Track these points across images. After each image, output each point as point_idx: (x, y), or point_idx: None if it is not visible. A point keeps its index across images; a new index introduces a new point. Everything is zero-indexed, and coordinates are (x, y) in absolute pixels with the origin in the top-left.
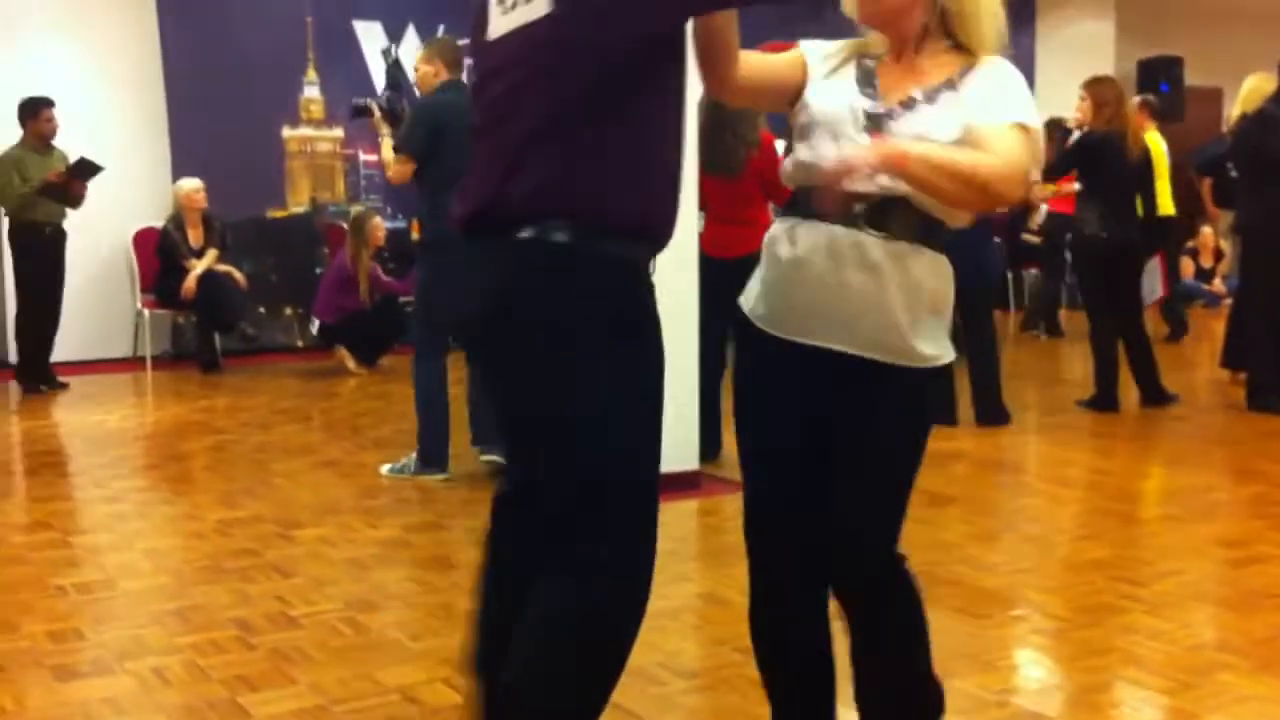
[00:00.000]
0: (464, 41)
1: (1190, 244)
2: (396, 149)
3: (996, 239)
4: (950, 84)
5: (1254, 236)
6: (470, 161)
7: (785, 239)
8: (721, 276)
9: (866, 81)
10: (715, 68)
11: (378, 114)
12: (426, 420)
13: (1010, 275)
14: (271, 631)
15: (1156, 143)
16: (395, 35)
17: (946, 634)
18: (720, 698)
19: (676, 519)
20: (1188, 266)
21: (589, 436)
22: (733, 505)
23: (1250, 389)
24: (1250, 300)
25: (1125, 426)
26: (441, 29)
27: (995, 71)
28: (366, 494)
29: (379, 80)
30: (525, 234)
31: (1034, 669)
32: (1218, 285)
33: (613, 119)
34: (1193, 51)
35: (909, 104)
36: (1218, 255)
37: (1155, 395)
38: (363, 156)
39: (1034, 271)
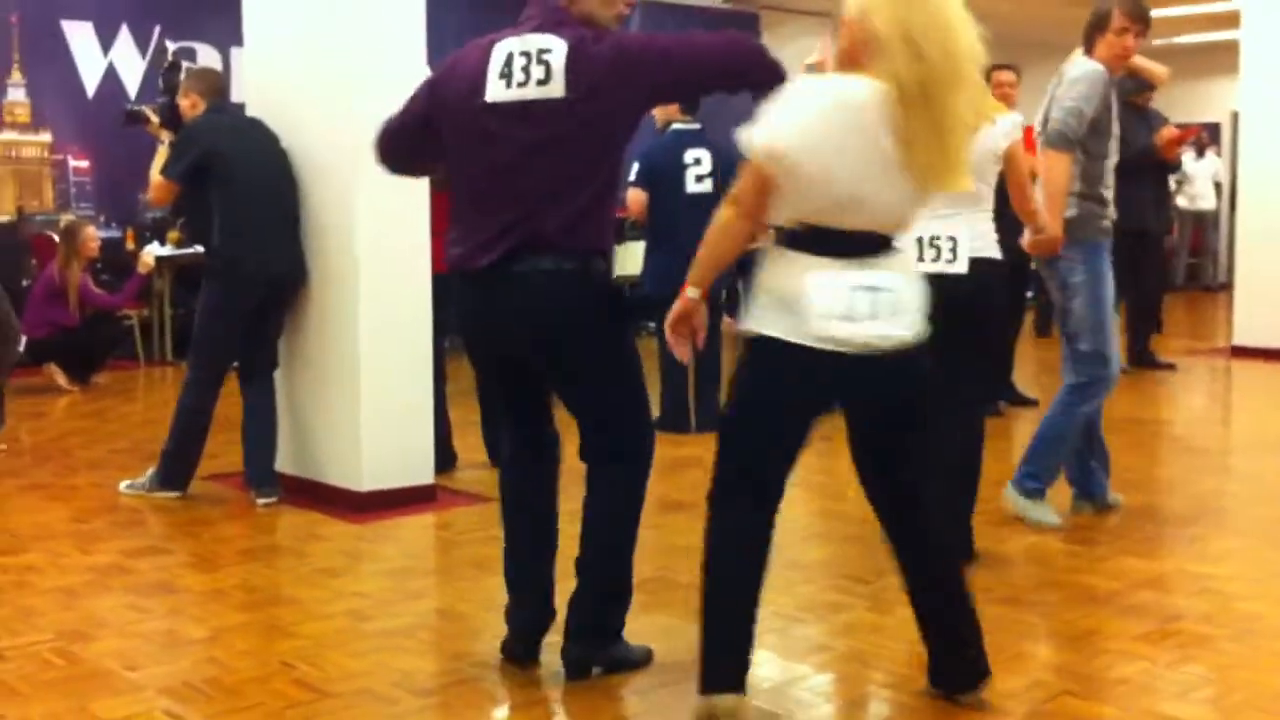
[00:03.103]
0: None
1: None
2: (162, 171)
3: None
4: None
5: None
6: (470, 209)
7: None
8: (438, 289)
9: None
10: None
11: (154, 120)
12: (182, 440)
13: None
14: None
15: None
16: (108, 37)
17: (678, 637)
18: (455, 715)
19: (412, 534)
20: None
21: (633, 379)
22: (467, 518)
23: None
24: None
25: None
26: (157, 30)
27: None
28: (79, 518)
29: (90, 83)
30: (569, 265)
31: (764, 668)
32: None
33: (602, 176)
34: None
35: None
36: None
37: None
38: (72, 163)
39: None
